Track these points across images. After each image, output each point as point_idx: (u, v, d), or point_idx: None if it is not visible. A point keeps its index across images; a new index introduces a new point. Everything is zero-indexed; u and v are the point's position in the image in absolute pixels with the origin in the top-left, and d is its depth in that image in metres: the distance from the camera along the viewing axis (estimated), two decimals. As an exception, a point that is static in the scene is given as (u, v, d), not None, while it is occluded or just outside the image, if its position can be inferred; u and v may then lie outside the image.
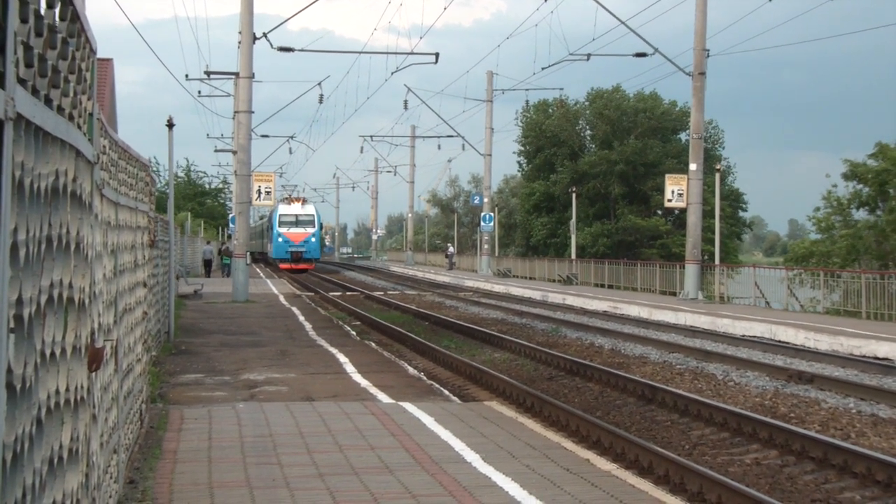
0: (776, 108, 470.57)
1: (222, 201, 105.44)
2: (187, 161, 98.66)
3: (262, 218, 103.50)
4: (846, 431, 13.94)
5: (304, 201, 76.92)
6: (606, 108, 76.11)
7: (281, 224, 73.09)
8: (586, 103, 79.55)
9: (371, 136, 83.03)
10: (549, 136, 79.00)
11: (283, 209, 74.15)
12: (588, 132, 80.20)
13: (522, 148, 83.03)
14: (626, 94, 76.42)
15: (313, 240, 73.34)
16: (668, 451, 11.87)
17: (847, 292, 33.51)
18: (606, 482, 9.19)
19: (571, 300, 39.88)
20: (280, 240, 72.64)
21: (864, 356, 21.94)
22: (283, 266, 72.33)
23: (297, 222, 72.90)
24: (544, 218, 78.55)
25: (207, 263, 62.14)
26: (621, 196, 74.10)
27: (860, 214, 54.71)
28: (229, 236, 74.72)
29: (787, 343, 24.56)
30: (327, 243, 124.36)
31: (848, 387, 17.39)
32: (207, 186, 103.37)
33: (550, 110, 79.28)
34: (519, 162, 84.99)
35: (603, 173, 73.87)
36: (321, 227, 77.55)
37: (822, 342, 23.88)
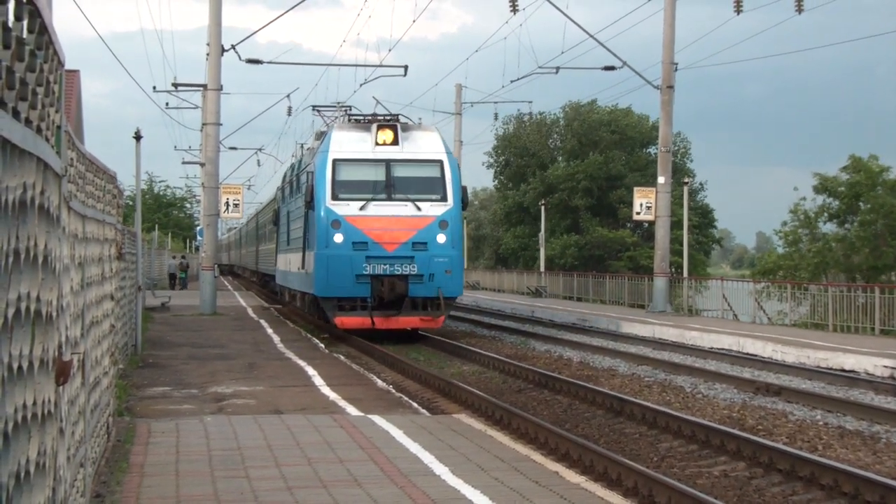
0: (742, 122, 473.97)
1: (189, 212, 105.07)
2: (149, 175, 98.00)
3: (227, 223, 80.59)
4: (813, 443, 14.03)
5: (406, 126, 28.86)
6: (576, 121, 76.55)
7: (340, 191, 27.37)
8: (560, 115, 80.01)
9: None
10: (517, 148, 79.38)
11: (347, 144, 27.93)
12: (558, 144, 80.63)
13: (493, 159, 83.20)
14: (600, 107, 76.76)
15: (441, 239, 27.08)
16: (637, 464, 11.90)
17: (814, 305, 33.75)
18: (575, 495, 9.22)
19: (540, 312, 39.93)
20: (336, 238, 26.89)
21: (830, 368, 22.08)
22: (344, 322, 27.14)
23: (393, 188, 27.51)
24: (516, 229, 78.76)
25: (172, 277, 62.31)
26: (587, 208, 74.40)
27: (828, 228, 55.23)
28: (196, 249, 74.07)
29: (755, 356, 24.69)
30: None
31: (815, 399, 17.50)
32: (172, 196, 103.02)
33: (526, 123, 79.72)
34: (494, 168, 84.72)
35: (569, 188, 74.21)
36: (464, 202, 28.04)
37: (790, 355, 24.02)
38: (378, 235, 26.72)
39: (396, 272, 26.67)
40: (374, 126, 28.03)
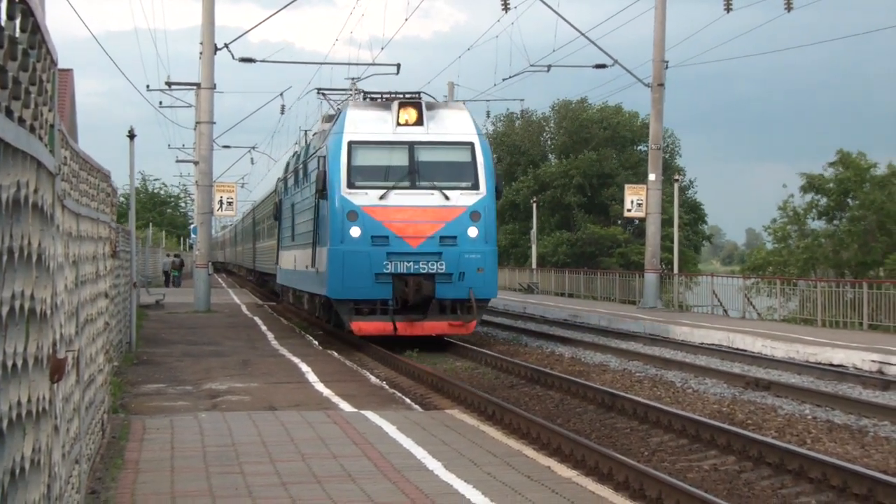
0: (732, 119, 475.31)
1: (183, 210, 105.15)
2: (142, 174, 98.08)
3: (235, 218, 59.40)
4: (802, 437, 14.06)
5: (431, 104, 25.28)
6: (566, 119, 76.75)
7: (357, 178, 23.88)
8: (549, 113, 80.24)
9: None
10: (509, 146, 79.57)
11: (365, 125, 24.42)
12: (549, 142, 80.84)
13: None
14: (591, 105, 76.98)
15: (472, 232, 23.65)
16: (628, 458, 11.91)
17: (803, 301, 33.82)
18: (567, 489, 9.23)
19: (532, 309, 39.94)
20: (353, 232, 23.40)
21: (819, 363, 22.13)
22: (362, 328, 23.89)
23: (417, 174, 24.03)
24: (507, 226, 78.93)
25: (167, 275, 62.44)
26: (579, 206, 74.55)
27: (816, 224, 55.41)
28: (191, 247, 73.99)
29: (745, 351, 24.73)
30: None
31: (804, 393, 17.53)
32: (167, 195, 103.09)
33: (517, 123, 79.89)
34: None
35: (562, 185, 74.35)
36: (498, 190, 24.46)
37: (779, 350, 24.06)
38: (401, 229, 23.30)
39: (422, 270, 23.30)
40: (395, 104, 24.39)
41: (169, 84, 43.03)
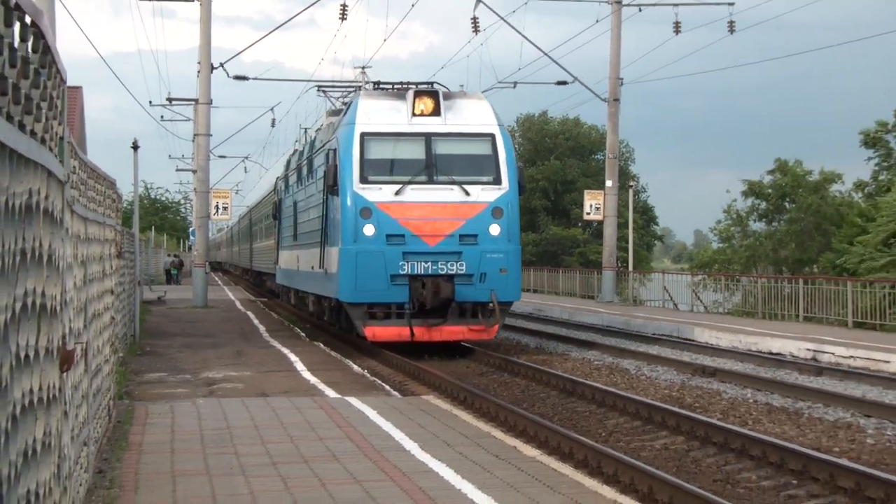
0: (682, 131, 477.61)
1: (182, 215, 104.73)
2: (145, 183, 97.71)
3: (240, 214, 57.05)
4: (744, 419, 14.13)
5: (449, 93, 21.66)
6: (530, 131, 76.97)
7: (370, 173, 20.41)
8: (515, 127, 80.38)
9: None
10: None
11: (378, 115, 20.91)
12: (516, 152, 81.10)
13: None
14: (552, 118, 77.26)
15: (495, 230, 20.35)
16: (587, 438, 11.94)
17: (745, 295, 34.01)
18: (532, 467, 9.26)
19: (501, 304, 39.94)
20: (367, 230, 20.00)
21: (759, 351, 22.25)
22: (376, 333, 20.36)
23: (435, 168, 20.53)
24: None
25: (168, 273, 62.25)
26: (544, 209, 74.74)
27: (757, 226, 55.80)
28: (189, 248, 73.72)
29: (693, 341, 24.82)
30: None
31: (746, 379, 17.62)
32: (168, 201, 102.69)
33: None
34: None
35: (528, 190, 74.57)
36: (521, 185, 20.94)
37: (724, 340, 24.17)
38: (418, 226, 20.04)
39: (440, 271, 19.97)
40: (411, 93, 21.03)
41: (170, 100, 42.89)
